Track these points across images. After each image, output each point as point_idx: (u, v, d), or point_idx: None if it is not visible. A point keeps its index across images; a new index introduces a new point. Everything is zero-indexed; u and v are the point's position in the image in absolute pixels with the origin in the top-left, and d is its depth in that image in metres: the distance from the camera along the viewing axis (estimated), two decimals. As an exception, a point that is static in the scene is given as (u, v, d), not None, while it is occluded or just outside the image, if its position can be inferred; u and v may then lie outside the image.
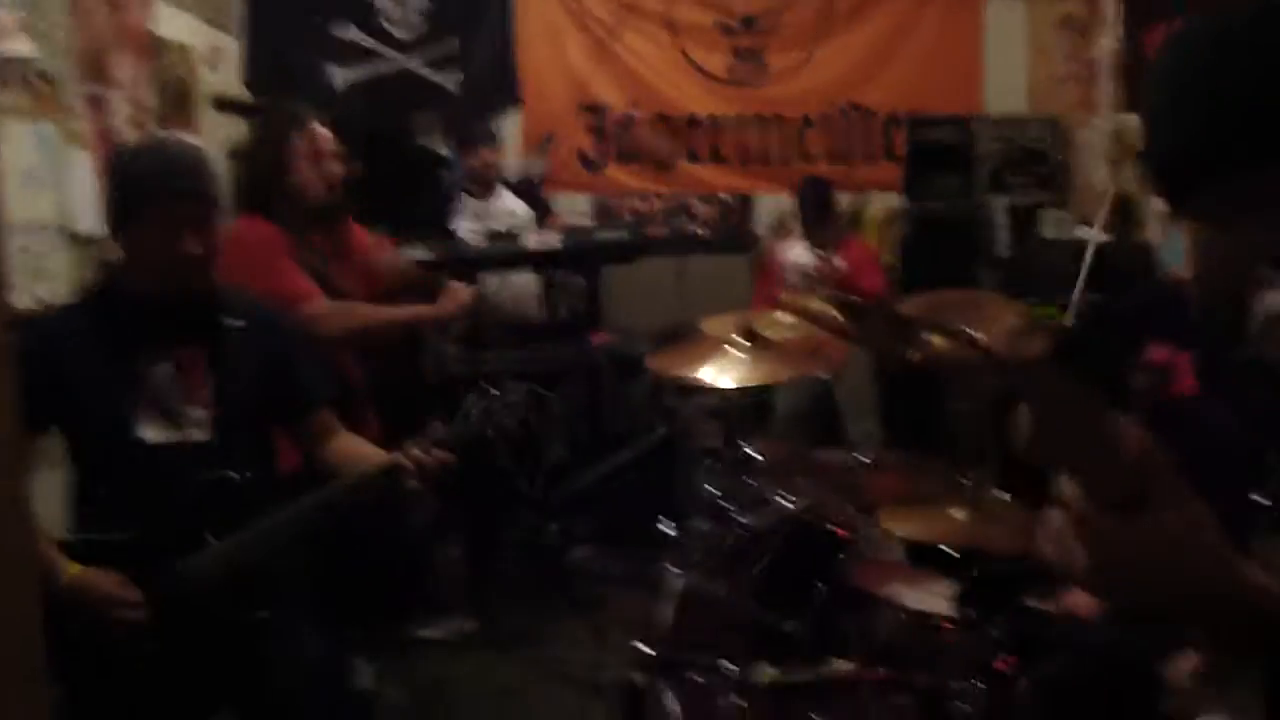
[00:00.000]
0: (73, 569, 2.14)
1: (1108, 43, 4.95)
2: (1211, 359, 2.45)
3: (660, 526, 3.31)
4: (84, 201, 3.76)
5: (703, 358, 2.89)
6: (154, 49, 4.47)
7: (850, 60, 6.32)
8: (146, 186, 2.23)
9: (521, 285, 5.22)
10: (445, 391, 3.78)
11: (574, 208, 6.28)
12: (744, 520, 2.75)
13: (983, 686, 2.27)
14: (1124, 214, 4.61)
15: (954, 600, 2.43)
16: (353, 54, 5.97)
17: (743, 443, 3.19)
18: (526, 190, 5.68)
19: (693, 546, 2.96)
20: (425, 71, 6.09)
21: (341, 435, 2.47)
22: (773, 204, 6.34)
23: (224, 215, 2.36)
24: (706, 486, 3.06)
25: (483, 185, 5.25)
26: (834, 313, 2.07)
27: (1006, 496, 2.69)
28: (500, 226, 5.17)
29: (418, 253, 4.09)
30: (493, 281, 4.93)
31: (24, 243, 3.50)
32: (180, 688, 2.23)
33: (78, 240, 3.76)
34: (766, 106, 6.40)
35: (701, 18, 6.33)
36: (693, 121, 6.42)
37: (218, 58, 5.23)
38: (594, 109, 6.41)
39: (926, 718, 2.30)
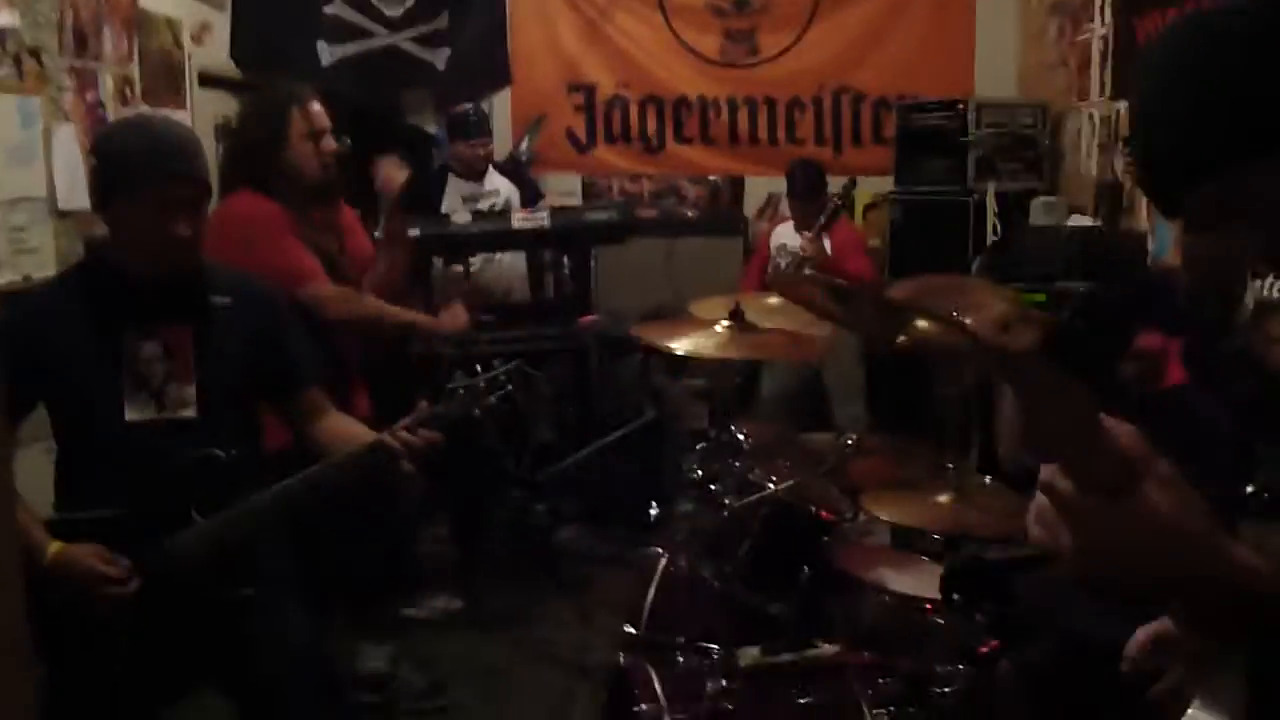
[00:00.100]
0: (56, 546, 2.13)
1: (1099, 29, 4.94)
2: (1200, 348, 2.47)
3: (646, 508, 3.32)
4: (69, 176, 3.74)
5: (690, 332, 2.90)
6: (141, 23, 4.44)
7: (841, 43, 6.31)
8: (135, 167, 2.20)
9: (509, 265, 5.20)
10: (432, 371, 3.77)
11: (563, 188, 6.26)
12: (730, 503, 2.76)
13: (967, 670, 2.28)
14: (1113, 201, 4.61)
15: (939, 584, 2.43)
16: (341, 30, 5.93)
17: (729, 425, 3.19)
18: (513, 170, 5.66)
19: (679, 528, 2.97)
20: (413, 48, 6.05)
21: (330, 414, 2.46)
22: (762, 186, 6.33)
23: (211, 195, 2.34)
24: (693, 468, 3.06)
25: (472, 170, 5.22)
26: (822, 296, 2.07)
27: (990, 480, 2.71)
28: (486, 206, 5.16)
29: (410, 231, 4.07)
30: (479, 261, 4.92)
31: (8, 218, 3.48)
32: (164, 665, 2.23)
33: (63, 215, 3.73)
34: (757, 88, 6.38)
35: (693, -1, 6.32)
36: (683, 102, 6.40)
37: (205, 32, 5.19)
38: (583, 89, 6.39)
39: (910, 701, 2.32)
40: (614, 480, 4.94)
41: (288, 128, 3.15)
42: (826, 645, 2.47)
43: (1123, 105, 4.66)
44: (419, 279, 3.57)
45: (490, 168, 5.33)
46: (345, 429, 2.42)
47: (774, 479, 2.76)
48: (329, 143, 3.23)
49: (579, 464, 4.46)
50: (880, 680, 2.37)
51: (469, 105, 5.46)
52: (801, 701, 2.38)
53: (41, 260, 3.60)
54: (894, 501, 2.59)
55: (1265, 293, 3.18)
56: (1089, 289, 2.28)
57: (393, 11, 6.02)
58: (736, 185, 6.49)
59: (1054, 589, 2.44)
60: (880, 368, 5.38)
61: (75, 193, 3.70)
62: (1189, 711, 1.07)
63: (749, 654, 2.44)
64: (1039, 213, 4.86)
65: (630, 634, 2.81)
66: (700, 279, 5.21)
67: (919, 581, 2.59)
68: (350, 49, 5.95)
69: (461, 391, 2.29)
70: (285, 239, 3.08)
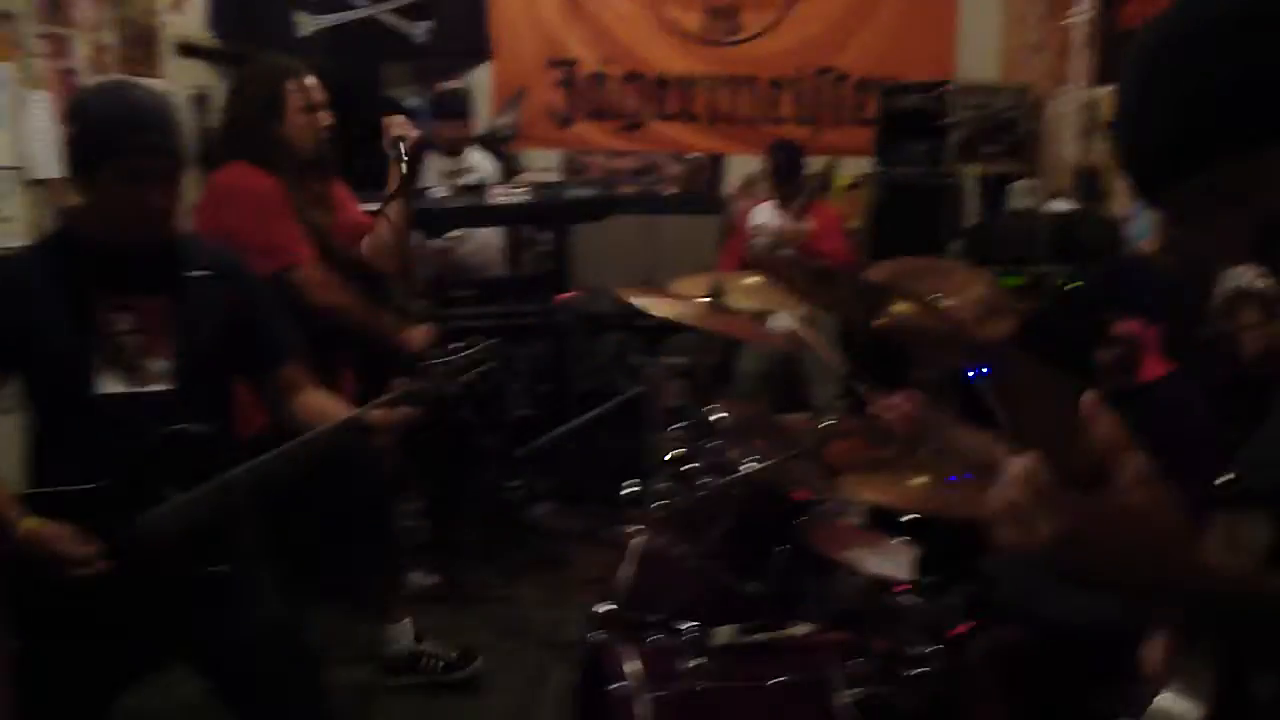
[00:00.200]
0: (28, 522, 2.11)
1: (1082, 12, 4.95)
2: (1178, 334, 2.48)
3: (623, 486, 3.32)
4: (42, 144, 3.69)
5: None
6: (116, -10, 4.37)
7: (824, 23, 6.29)
8: (110, 136, 2.16)
9: (487, 241, 5.18)
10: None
11: (542, 164, 6.23)
12: (706, 482, 2.76)
13: (939, 651, 2.29)
14: (1093, 186, 4.63)
15: (913, 565, 2.45)
16: (319, 1, 5.86)
17: (706, 403, 3.19)
18: (493, 145, 5.63)
19: (654, 507, 2.97)
20: (393, 21, 6.00)
21: (308, 390, 2.44)
22: (742, 165, 6.32)
23: (187, 165, 2.30)
24: (670, 447, 3.06)
25: (452, 150, 5.19)
26: (800, 277, 2.07)
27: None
28: (465, 181, 5.12)
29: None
30: (458, 236, 4.90)
31: (-20, 185, 3.44)
32: (136, 641, 2.22)
33: (36, 184, 3.69)
34: (739, 67, 6.36)
35: (676, -26, 6.28)
36: (664, 80, 6.37)
37: (182, 0, 5.12)
38: (564, 64, 6.35)
39: (883, 681, 2.33)
40: (590, 457, 4.94)
41: (283, 101, 3.15)
42: (800, 625, 2.47)
43: (1104, 90, 4.67)
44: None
45: (471, 143, 5.30)
46: (322, 405, 2.40)
47: (750, 459, 2.76)
48: (324, 116, 3.22)
49: (555, 441, 4.47)
50: (854, 660, 2.38)
51: (453, 85, 5.42)
52: (775, 680, 2.38)
53: (14, 230, 3.55)
54: (870, 482, 2.59)
55: (1241, 280, 3.21)
56: (1065, 277, 2.29)
57: (372, -18, 5.97)
58: (717, 164, 6.48)
59: (1026, 571, 2.45)
60: (858, 346, 5.39)
61: (48, 161, 3.65)
62: (1159, 696, 1.08)
63: (723, 633, 2.44)
64: (1019, 196, 4.88)
65: (604, 612, 2.81)
66: (679, 257, 5.20)
67: (893, 562, 2.60)
68: (329, 20, 5.89)
69: (438, 368, 2.27)
70: (279, 216, 3.07)
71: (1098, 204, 4.59)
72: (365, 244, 3.41)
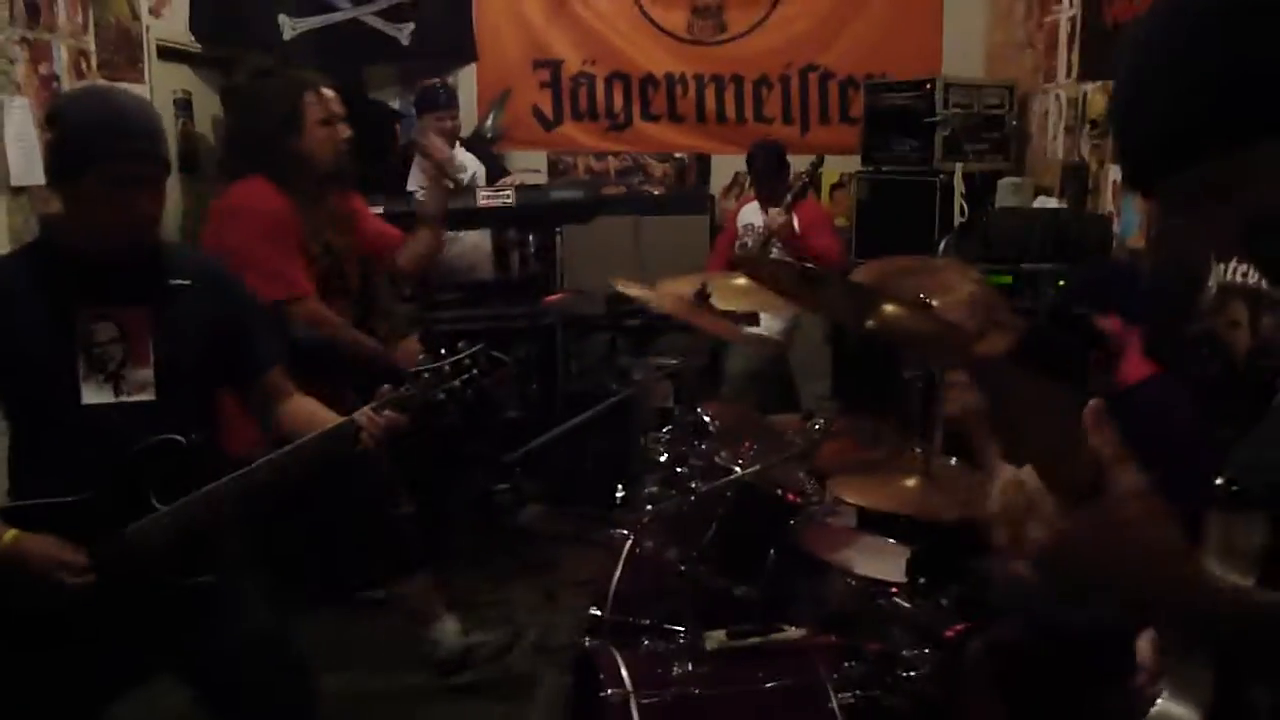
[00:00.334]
0: (11, 535, 2.08)
1: (1068, 9, 4.95)
2: (1162, 334, 2.48)
3: (612, 489, 3.31)
4: (23, 152, 3.66)
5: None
6: (96, -7, 4.34)
7: (809, 22, 6.28)
8: (94, 142, 2.13)
9: (474, 243, 5.16)
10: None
11: (528, 165, 6.20)
12: (696, 485, 2.75)
13: (933, 654, 2.29)
14: (1080, 183, 4.63)
15: (905, 567, 2.44)
16: (303, 3, 5.83)
17: (695, 405, 3.18)
18: (480, 147, 5.61)
19: (644, 510, 2.96)
20: (377, 23, 5.97)
21: (294, 398, 2.42)
22: (729, 164, 6.31)
23: (170, 172, 2.28)
24: (659, 450, 3.05)
25: None
26: (789, 278, 2.05)
27: (956, 462, 2.71)
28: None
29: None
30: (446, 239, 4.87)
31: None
32: (122, 652, 2.19)
33: (16, 192, 3.66)
34: (724, 66, 6.34)
35: (660, -27, 6.26)
36: (649, 80, 6.35)
37: (163, 4, 5.09)
38: (549, 65, 6.33)
39: (876, 684, 2.32)
40: (579, 460, 4.92)
41: (302, 114, 3.14)
42: (792, 628, 2.47)
43: (1090, 86, 4.67)
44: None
45: (458, 144, 5.28)
46: (309, 412, 2.37)
47: (740, 461, 2.75)
48: (343, 129, 3.22)
49: (544, 444, 4.45)
50: (846, 663, 2.38)
51: (437, 79, 5.40)
52: (768, 685, 2.38)
53: (-7, 238, 3.52)
54: (861, 485, 2.59)
55: (1228, 276, 3.21)
56: (1060, 291, 2.28)
57: (355, -16, 5.94)
58: (703, 163, 6.47)
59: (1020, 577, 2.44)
60: (846, 347, 5.39)
61: (29, 168, 3.62)
62: (1157, 702, 1.07)
63: (715, 637, 2.44)
64: (1005, 193, 4.87)
65: (595, 616, 2.80)
66: (667, 257, 5.19)
67: (885, 564, 2.60)
68: (313, 23, 5.85)
69: (425, 375, 2.26)
70: (285, 242, 3.08)
71: (1085, 200, 4.59)
72: (402, 256, 3.50)
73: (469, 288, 4.96)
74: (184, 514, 2.17)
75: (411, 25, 6.00)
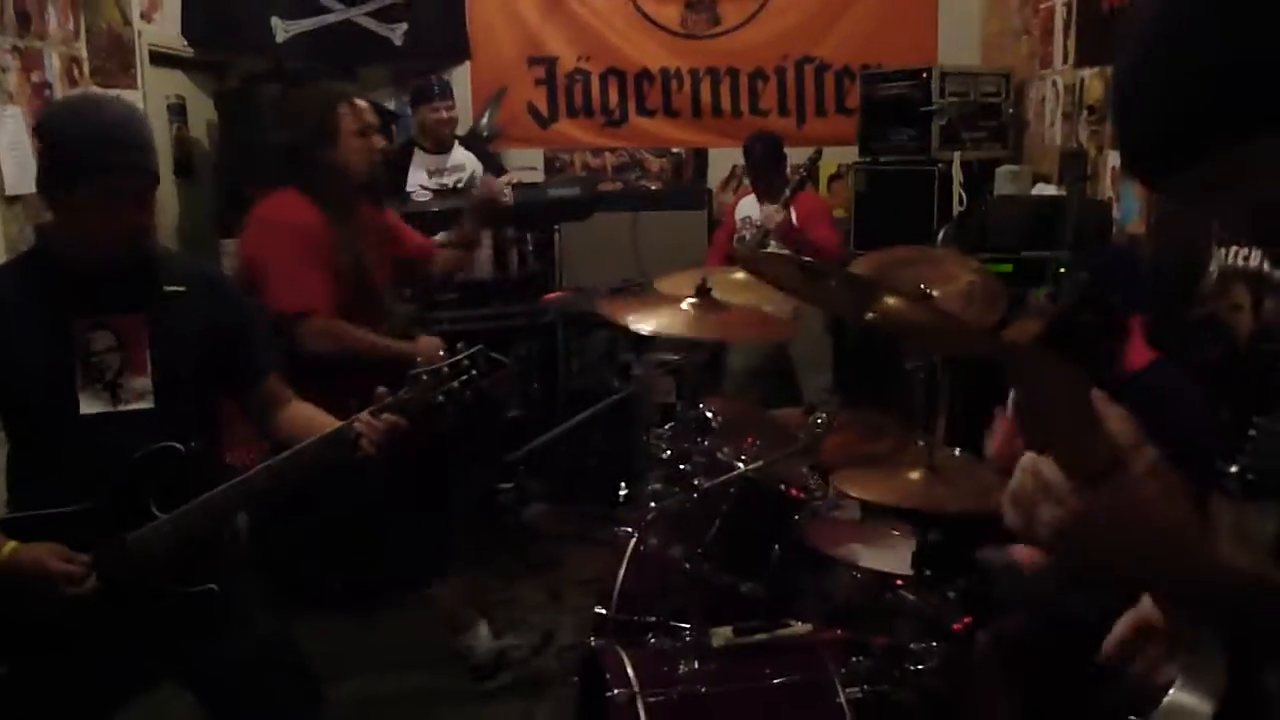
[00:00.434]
0: (12, 545, 2.07)
1: (1062, -5, 4.93)
2: (1164, 319, 2.46)
3: (615, 486, 3.30)
4: (17, 160, 3.64)
5: (657, 309, 2.86)
6: (87, 0, 4.32)
7: (803, 13, 6.26)
8: (83, 154, 2.11)
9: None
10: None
11: (525, 162, 6.19)
12: (699, 482, 2.74)
13: (940, 647, 2.27)
14: (1078, 170, 4.60)
15: (911, 560, 2.43)
16: (295, 5, 5.81)
17: (697, 401, 3.17)
18: (477, 145, 5.59)
19: (648, 508, 2.95)
20: (370, 23, 5.95)
21: (291, 403, 2.41)
22: (726, 158, 6.29)
23: (159, 182, 2.25)
24: (661, 447, 3.04)
25: (437, 141, 5.15)
26: (790, 272, 2.04)
27: (959, 453, 2.70)
28: (451, 181, 5.09)
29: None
30: (441, 239, 4.85)
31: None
32: (125, 660, 2.19)
33: (11, 201, 3.64)
34: (719, 59, 6.32)
35: (653, -32, 6.24)
36: (644, 75, 6.33)
37: (155, 9, 5.08)
38: (544, 62, 6.31)
39: (884, 679, 2.31)
40: (582, 457, 4.91)
41: (337, 126, 3.15)
42: (799, 624, 2.45)
43: (1087, 72, 4.65)
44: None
45: (455, 142, 5.27)
46: (307, 418, 2.36)
47: (743, 457, 2.74)
48: (377, 139, 3.23)
49: (547, 442, 4.44)
50: (853, 658, 2.36)
51: (432, 76, 5.38)
52: (775, 681, 2.36)
53: (-12, 248, 3.51)
54: (865, 478, 2.57)
55: (1229, 260, 3.20)
56: (1086, 277, 2.26)
57: (348, -15, 5.92)
58: (700, 157, 6.45)
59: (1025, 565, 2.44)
60: (847, 339, 5.38)
61: (23, 177, 3.61)
62: (1169, 692, 1.06)
63: (721, 634, 2.42)
64: (1004, 181, 4.85)
65: (600, 615, 2.79)
66: (665, 253, 5.17)
67: (891, 557, 2.59)
68: (305, 24, 5.84)
69: (424, 377, 2.24)
70: (311, 258, 3.09)
71: (1084, 187, 4.57)
72: (438, 263, 3.61)
73: (467, 287, 4.94)
74: (184, 522, 2.16)
75: (404, 25, 5.99)
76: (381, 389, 2.23)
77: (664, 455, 3.04)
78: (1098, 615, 1.95)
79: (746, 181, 5.59)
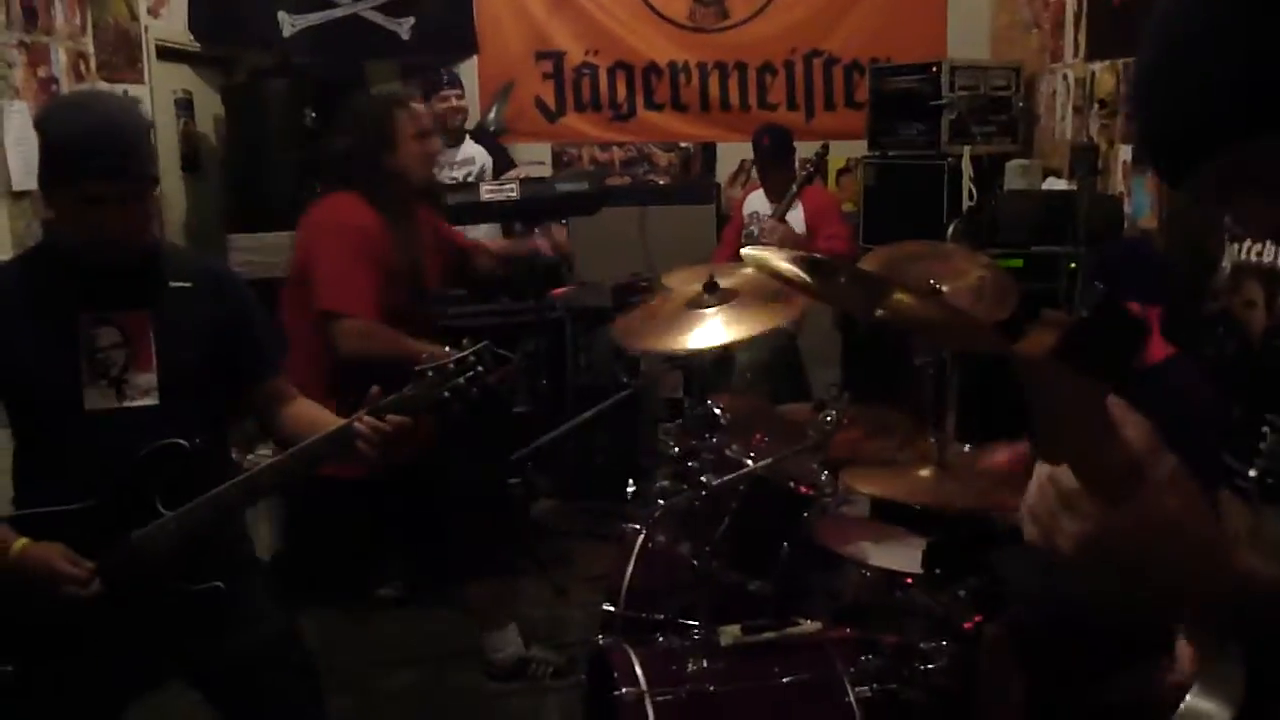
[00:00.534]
0: (19, 543, 2.07)
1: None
2: (1178, 314, 2.44)
3: (623, 482, 3.28)
4: (22, 155, 3.64)
5: (666, 323, 2.84)
6: (93, -5, 4.32)
7: (812, 6, 6.23)
8: (64, 160, 2.10)
9: (480, 238, 5.12)
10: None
11: (533, 157, 6.17)
12: (707, 479, 2.72)
13: (950, 646, 2.26)
14: (1089, 164, 4.57)
15: (921, 558, 2.41)
16: (302, -1, 5.80)
17: (705, 396, 3.15)
18: (486, 139, 5.57)
19: (656, 505, 2.93)
20: (377, 18, 5.93)
21: (296, 400, 2.40)
22: (734, 152, 6.27)
23: (154, 184, 2.22)
24: (669, 444, 3.02)
25: (448, 132, 5.13)
26: (799, 270, 2.02)
27: (970, 448, 2.68)
28: (461, 175, 5.07)
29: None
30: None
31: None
32: (132, 659, 2.18)
33: (18, 196, 3.64)
34: (727, 53, 6.30)
35: (661, -39, 6.21)
36: (652, 69, 6.31)
37: (161, 4, 5.07)
38: (552, 56, 6.29)
39: (894, 678, 2.29)
40: (590, 453, 4.90)
41: (396, 130, 3.19)
42: (808, 622, 2.44)
43: (1098, 66, 4.62)
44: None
45: (466, 135, 5.25)
46: (311, 415, 2.35)
47: (751, 454, 2.72)
48: (434, 142, 3.28)
49: (555, 438, 4.43)
50: (863, 657, 2.35)
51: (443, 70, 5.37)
52: (784, 680, 2.35)
53: (-4, 243, 3.51)
54: (875, 475, 2.55)
55: (1242, 256, 3.17)
56: (1106, 289, 2.24)
57: (355, -21, 5.91)
58: (708, 152, 6.43)
59: (1037, 562, 2.41)
60: (856, 333, 5.35)
61: (29, 172, 3.59)
62: (1186, 699, 1.04)
63: (729, 632, 2.41)
64: (1014, 176, 4.82)
65: (609, 612, 2.78)
66: (673, 247, 5.15)
67: (901, 555, 2.57)
68: (312, 19, 5.82)
69: (430, 374, 2.23)
70: (365, 263, 3.13)
71: (1095, 181, 4.54)
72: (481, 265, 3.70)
73: (476, 282, 4.92)
74: (189, 519, 2.15)
75: (412, 19, 5.97)
76: (375, 388, 2.21)
77: (672, 451, 3.03)
78: (1110, 611, 1.93)
79: (755, 175, 5.56)
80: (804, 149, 5.23)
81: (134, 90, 4.58)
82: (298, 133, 5.17)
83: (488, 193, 4.60)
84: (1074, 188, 4.52)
